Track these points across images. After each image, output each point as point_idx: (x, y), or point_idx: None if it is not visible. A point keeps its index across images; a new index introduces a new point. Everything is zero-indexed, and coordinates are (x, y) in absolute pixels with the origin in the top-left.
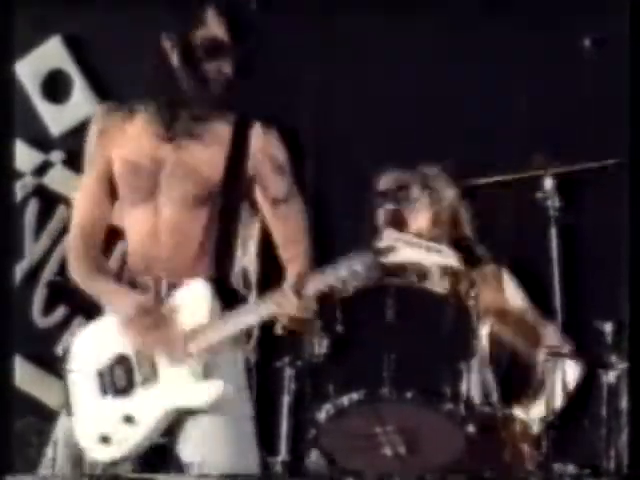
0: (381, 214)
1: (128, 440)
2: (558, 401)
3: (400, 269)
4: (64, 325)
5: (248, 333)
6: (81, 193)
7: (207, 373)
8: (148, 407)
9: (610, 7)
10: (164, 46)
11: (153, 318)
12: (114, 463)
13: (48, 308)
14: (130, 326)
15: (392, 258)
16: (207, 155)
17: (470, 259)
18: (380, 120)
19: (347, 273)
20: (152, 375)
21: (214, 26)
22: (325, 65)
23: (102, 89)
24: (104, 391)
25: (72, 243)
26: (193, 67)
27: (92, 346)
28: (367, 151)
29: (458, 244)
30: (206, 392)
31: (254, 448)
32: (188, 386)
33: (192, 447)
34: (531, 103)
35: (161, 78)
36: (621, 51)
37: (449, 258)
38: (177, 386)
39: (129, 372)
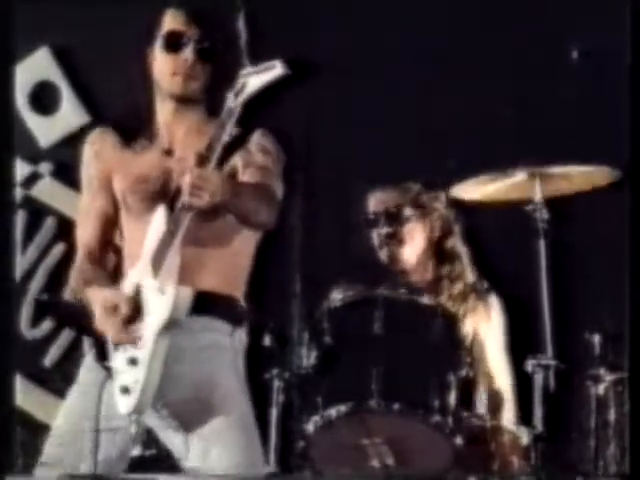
0: (375, 236)
1: (138, 381)
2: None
3: None
4: (52, 337)
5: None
6: (81, 214)
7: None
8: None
9: (607, 19)
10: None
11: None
12: (138, 411)
13: (35, 320)
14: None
15: None
16: None
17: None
18: (367, 136)
19: None
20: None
21: (170, 22)
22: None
23: (91, 101)
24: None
25: (78, 263)
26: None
27: None
28: (355, 169)
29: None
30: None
31: (258, 441)
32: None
33: (199, 454)
34: (520, 114)
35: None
36: (614, 62)
37: None
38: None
39: None
